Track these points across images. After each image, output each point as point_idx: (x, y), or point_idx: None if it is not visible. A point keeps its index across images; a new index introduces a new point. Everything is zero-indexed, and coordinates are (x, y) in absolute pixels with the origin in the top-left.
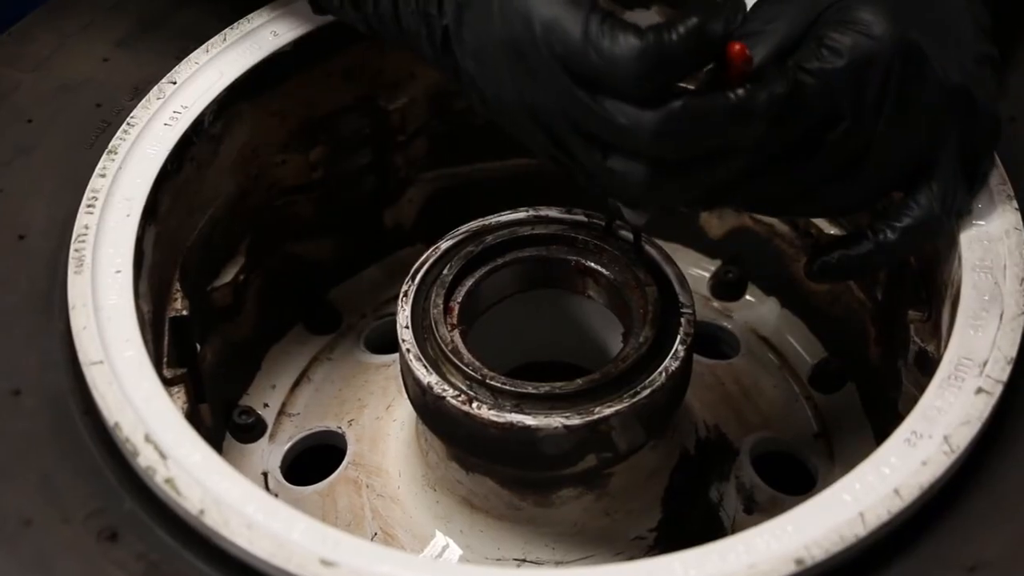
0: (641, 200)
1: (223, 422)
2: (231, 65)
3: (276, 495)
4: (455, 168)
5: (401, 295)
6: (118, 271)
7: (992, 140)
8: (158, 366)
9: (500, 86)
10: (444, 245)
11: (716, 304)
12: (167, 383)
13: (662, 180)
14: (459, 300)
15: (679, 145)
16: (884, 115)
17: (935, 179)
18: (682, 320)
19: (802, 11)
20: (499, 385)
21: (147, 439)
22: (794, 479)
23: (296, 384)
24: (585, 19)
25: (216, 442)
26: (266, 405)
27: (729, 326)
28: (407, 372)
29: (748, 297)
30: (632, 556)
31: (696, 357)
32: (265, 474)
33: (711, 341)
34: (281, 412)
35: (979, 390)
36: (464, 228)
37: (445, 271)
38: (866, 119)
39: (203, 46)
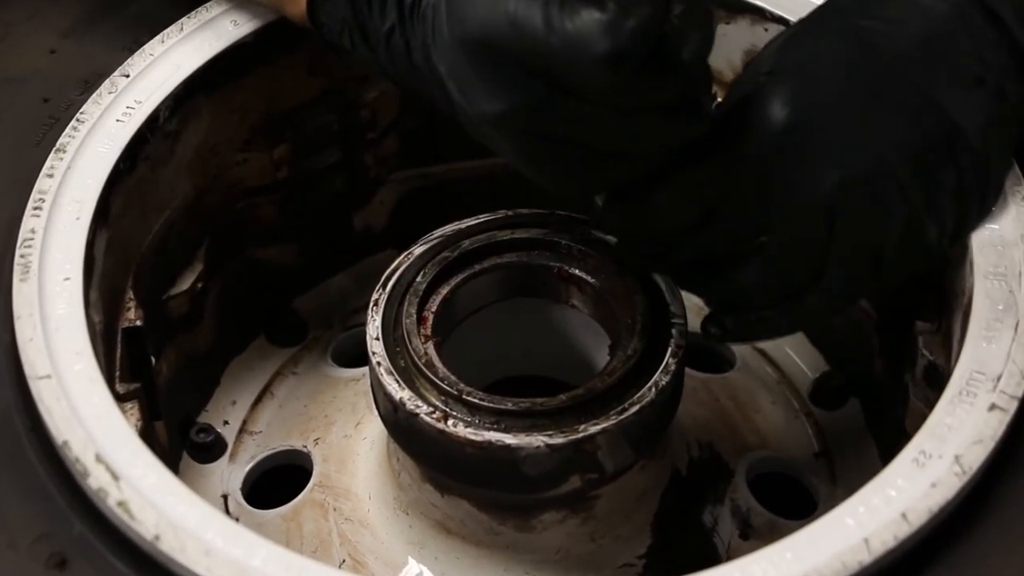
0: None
1: (180, 441)
2: (188, 57)
3: (237, 519)
4: (429, 167)
5: (371, 304)
6: (67, 278)
7: (914, 248)
8: (110, 381)
9: (480, 100)
10: (417, 250)
11: None
12: (120, 399)
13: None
14: (434, 309)
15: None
16: (763, 202)
17: (825, 272)
18: (673, 331)
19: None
20: (476, 401)
21: (98, 459)
22: (793, 502)
23: (258, 400)
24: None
25: (172, 462)
26: (226, 423)
27: None
28: (378, 387)
29: None
30: None
31: (688, 371)
32: (225, 496)
33: (704, 354)
34: (242, 430)
35: (992, 406)
36: (439, 232)
37: (418, 278)
38: (742, 203)
39: (158, 36)
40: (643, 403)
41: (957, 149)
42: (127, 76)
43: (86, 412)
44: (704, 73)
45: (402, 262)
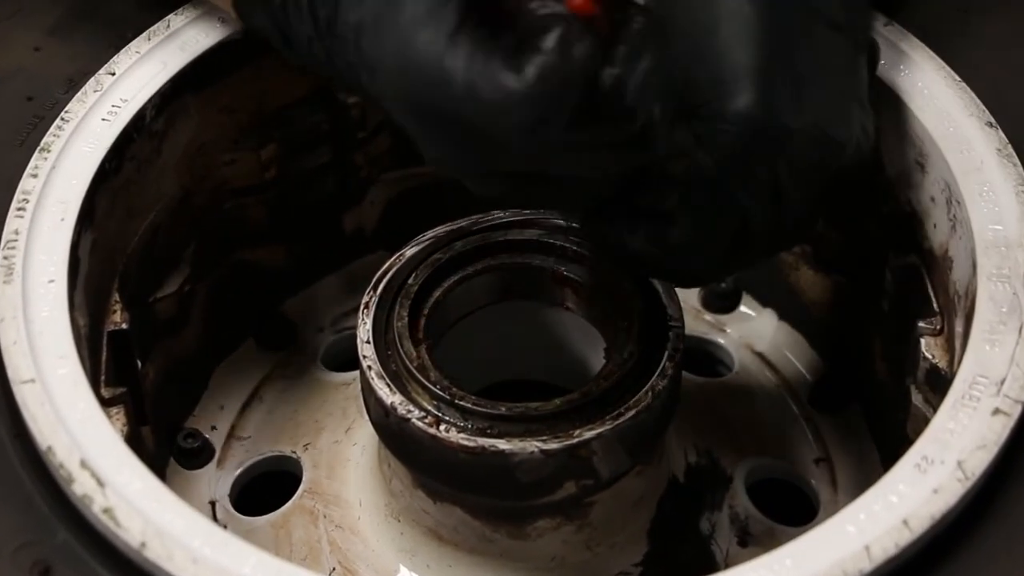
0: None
1: (167, 446)
2: (175, 55)
3: (225, 526)
4: (421, 167)
5: (362, 307)
6: (51, 280)
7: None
8: (95, 385)
9: (420, 145)
10: (409, 252)
11: (708, 317)
12: (105, 403)
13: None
14: (426, 312)
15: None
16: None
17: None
18: (670, 334)
19: None
20: (469, 406)
21: (83, 465)
22: (793, 508)
23: (247, 405)
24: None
25: (159, 468)
26: (214, 428)
27: (722, 341)
28: (368, 391)
29: (743, 309)
30: None
31: (685, 375)
32: (213, 503)
33: (702, 357)
34: (230, 435)
35: (996, 411)
36: (431, 233)
37: (410, 280)
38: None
39: (144, 34)
40: (639, 408)
41: (864, 58)
42: (113, 74)
43: (71, 417)
44: (656, 95)
45: (393, 264)
